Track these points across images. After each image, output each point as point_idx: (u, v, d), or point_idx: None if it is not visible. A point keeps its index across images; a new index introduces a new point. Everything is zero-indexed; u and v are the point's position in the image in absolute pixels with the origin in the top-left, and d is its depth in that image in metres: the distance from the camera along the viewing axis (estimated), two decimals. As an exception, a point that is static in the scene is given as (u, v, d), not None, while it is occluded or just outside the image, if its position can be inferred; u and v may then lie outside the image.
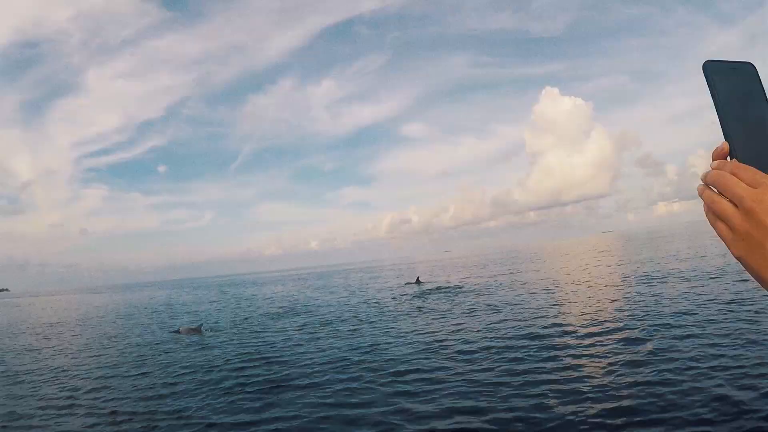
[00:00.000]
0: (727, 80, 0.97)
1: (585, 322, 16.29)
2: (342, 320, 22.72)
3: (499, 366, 11.69)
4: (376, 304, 28.58)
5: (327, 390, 11.18)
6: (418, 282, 45.99)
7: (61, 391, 13.46)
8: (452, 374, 11.39)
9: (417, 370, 12.04)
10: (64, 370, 16.55)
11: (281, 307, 32.62)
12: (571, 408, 8.46)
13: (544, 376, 10.40)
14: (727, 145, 0.94)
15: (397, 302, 29.06)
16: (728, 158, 0.93)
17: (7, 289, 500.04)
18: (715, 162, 0.92)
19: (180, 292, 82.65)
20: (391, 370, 12.19)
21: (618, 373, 10.16)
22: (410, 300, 29.52)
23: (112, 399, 12.25)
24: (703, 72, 0.97)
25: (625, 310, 17.75)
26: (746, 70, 0.99)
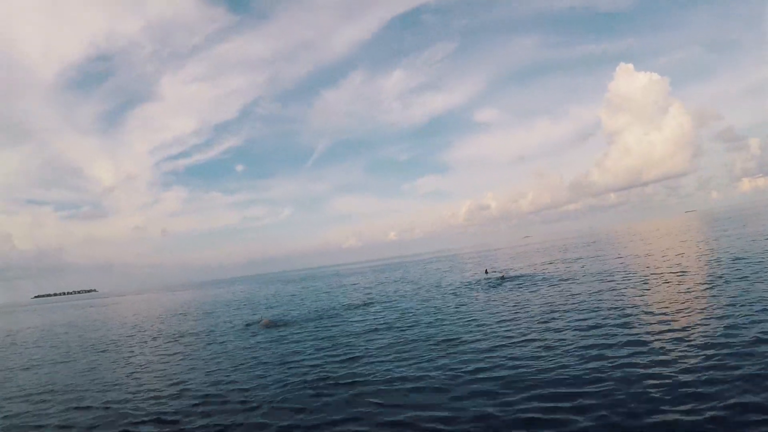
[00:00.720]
0: None
1: (676, 310, 15.36)
2: (420, 312, 22.84)
3: (589, 359, 11.30)
4: (453, 295, 28.52)
5: (406, 385, 11.31)
6: (491, 272, 45.68)
7: (155, 378, 14.40)
8: (539, 370, 11.09)
9: (498, 366, 11.78)
10: (154, 361, 17.63)
11: (359, 299, 33.35)
12: (676, 406, 8.02)
13: (640, 371, 9.91)
14: None
15: (474, 292, 28.88)
16: None
17: (95, 290, 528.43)
18: None
19: (260, 286, 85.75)
20: (472, 367, 11.98)
21: (721, 365, 9.57)
22: (488, 290, 29.30)
23: (197, 389, 13.07)
24: None
25: (718, 297, 16.58)
26: None
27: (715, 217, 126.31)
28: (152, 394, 13.06)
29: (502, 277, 36.78)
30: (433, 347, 14.87)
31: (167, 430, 10.21)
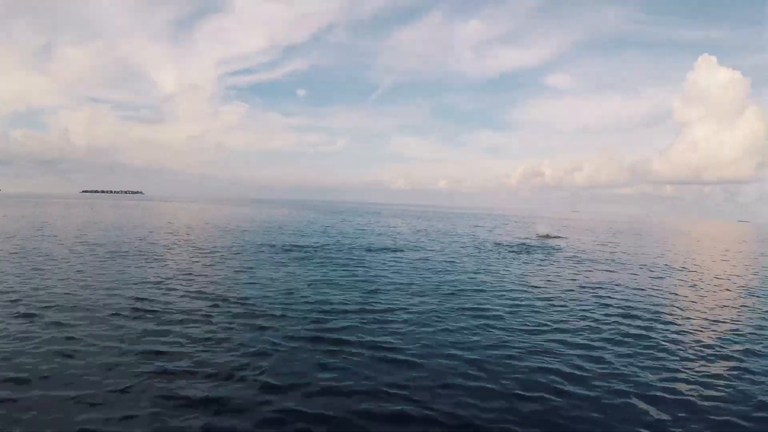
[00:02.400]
0: None
1: (702, 319, 14.36)
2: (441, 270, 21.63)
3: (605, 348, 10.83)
4: (487, 258, 27.33)
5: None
6: (540, 236, 45.35)
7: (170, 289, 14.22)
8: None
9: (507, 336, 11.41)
10: (174, 271, 17.53)
11: (387, 242, 33.42)
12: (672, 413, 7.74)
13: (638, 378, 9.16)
14: None
15: (511, 255, 28.48)
16: None
17: (141, 192, 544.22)
18: None
19: (302, 213, 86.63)
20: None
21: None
22: (526, 255, 28.89)
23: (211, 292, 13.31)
24: None
25: (752, 314, 15.39)
26: None
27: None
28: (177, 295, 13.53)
29: (543, 240, 36.79)
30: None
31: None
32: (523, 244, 36.54)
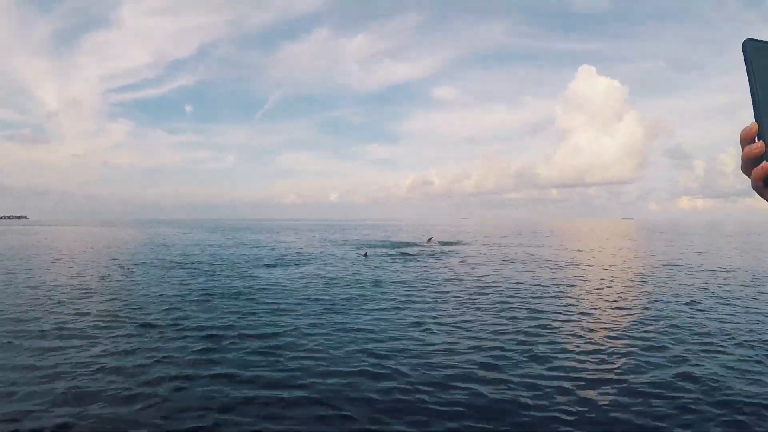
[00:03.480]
0: (765, 60, 1.01)
1: (586, 306, 16.73)
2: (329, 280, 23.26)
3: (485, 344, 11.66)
4: (377, 264, 31.14)
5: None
6: (429, 241, 50.62)
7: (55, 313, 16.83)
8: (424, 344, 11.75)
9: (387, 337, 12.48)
10: (64, 298, 19.84)
11: (278, 257, 35.76)
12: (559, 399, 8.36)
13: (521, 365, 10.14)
14: (756, 126, 0.99)
15: (397, 260, 32.19)
16: (756, 139, 0.98)
17: (25, 216, 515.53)
18: (744, 150, 0.99)
19: (191, 231, 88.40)
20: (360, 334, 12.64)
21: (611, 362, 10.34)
22: (408, 260, 32.98)
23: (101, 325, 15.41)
24: (742, 49, 1.01)
25: (633, 298, 18.17)
26: None
27: (650, 227, 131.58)
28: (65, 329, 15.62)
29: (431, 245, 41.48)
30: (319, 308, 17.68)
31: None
32: (407, 250, 40.74)
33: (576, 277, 24.31)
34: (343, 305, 16.63)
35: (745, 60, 1.03)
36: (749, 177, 1.01)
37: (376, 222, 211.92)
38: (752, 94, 1.01)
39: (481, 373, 9.69)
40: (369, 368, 9.92)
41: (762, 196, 1.03)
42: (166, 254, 38.31)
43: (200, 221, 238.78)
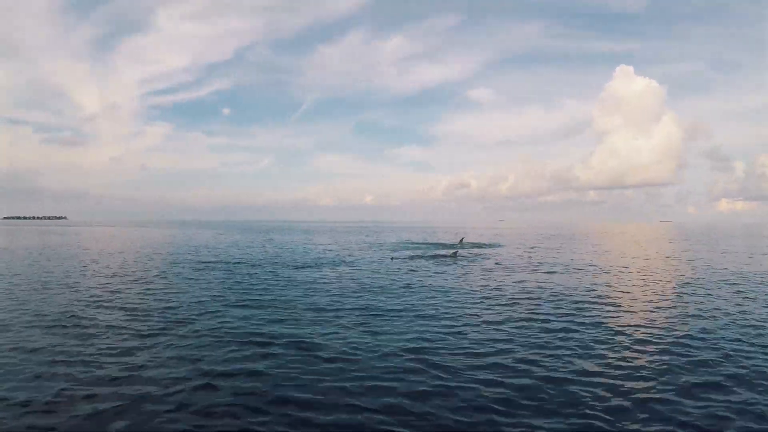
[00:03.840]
0: None
1: (621, 310, 16.31)
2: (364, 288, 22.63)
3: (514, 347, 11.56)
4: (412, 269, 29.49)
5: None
6: (461, 242, 50.36)
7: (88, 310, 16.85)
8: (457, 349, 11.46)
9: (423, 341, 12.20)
10: (98, 294, 20.00)
11: (311, 258, 35.52)
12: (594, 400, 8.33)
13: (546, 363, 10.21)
14: None
15: (435, 266, 31.39)
16: None
17: (65, 217, 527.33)
18: None
19: (226, 233, 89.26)
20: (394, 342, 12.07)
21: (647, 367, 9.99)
22: (445, 265, 32.59)
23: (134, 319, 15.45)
24: None
25: (669, 305, 17.15)
26: None
27: (688, 230, 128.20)
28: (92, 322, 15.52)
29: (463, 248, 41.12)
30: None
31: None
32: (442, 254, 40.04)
33: (609, 282, 23.70)
34: (377, 309, 16.19)
35: None
36: None
37: (412, 224, 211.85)
38: None
39: (523, 367, 10.00)
40: (404, 375, 9.61)
41: None
42: (200, 254, 38.66)
43: (236, 223, 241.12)
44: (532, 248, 48.20)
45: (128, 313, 15.36)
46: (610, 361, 10.44)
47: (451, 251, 37.29)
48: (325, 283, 22.31)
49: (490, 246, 51.29)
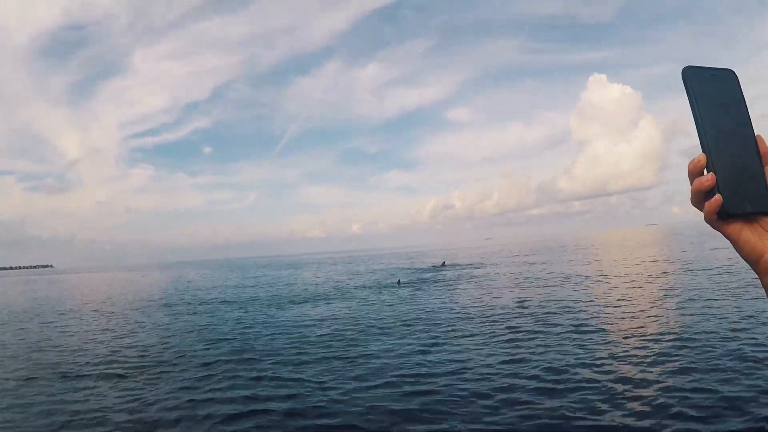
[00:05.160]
0: (707, 87, 0.98)
1: (615, 319, 16.53)
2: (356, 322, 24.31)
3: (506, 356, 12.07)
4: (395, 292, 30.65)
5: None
6: (443, 265, 51.31)
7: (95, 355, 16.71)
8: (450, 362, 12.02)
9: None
10: (100, 340, 19.85)
11: (296, 293, 35.21)
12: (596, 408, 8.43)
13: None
14: (704, 157, 0.95)
15: (421, 287, 31.74)
16: (704, 171, 0.94)
17: (51, 265, 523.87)
18: (694, 182, 0.95)
19: (213, 272, 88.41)
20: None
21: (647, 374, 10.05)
22: (431, 285, 32.49)
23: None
24: (682, 78, 0.98)
25: (660, 309, 17.47)
26: (727, 77, 1.00)
27: (674, 232, 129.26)
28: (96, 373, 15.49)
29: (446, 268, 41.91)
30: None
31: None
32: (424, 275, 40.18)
33: (597, 291, 24.00)
34: (360, 341, 16.01)
35: (686, 89, 0.99)
36: (701, 210, 0.97)
37: (400, 249, 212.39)
38: (696, 124, 0.98)
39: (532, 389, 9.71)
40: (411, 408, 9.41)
41: (716, 230, 0.98)
42: (185, 296, 38.55)
43: (225, 261, 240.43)
44: (517, 264, 48.75)
45: (119, 356, 15.47)
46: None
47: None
48: (306, 319, 21.91)
49: (476, 266, 51.38)
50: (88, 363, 15.43)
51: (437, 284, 33.86)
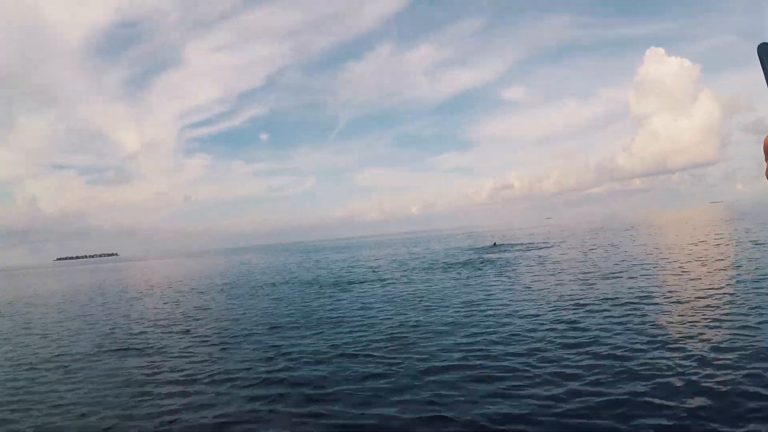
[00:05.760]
0: None
1: (680, 304, 15.15)
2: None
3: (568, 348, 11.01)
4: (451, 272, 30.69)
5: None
6: (495, 245, 50.84)
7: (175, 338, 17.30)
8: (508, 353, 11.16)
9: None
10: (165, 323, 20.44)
11: (358, 275, 35.17)
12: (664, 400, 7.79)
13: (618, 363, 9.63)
14: None
15: (468, 272, 30.67)
16: None
17: (116, 254, 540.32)
18: None
19: (272, 256, 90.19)
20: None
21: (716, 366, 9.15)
22: (484, 268, 32.06)
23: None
24: (758, 55, 0.96)
25: (728, 294, 15.89)
26: None
27: (741, 209, 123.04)
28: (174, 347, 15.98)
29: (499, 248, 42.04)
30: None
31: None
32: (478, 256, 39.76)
33: (663, 270, 23.09)
34: (423, 321, 15.63)
35: (763, 66, 0.96)
36: None
37: (458, 230, 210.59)
38: None
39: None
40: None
41: None
42: (248, 278, 39.21)
43: (284, 245, 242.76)
44: (579, 244, 46.88)
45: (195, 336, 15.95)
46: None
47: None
48: (366, 299, 21.68)
49: (534, 246, 50.06)
50: (164, 337, 16.30)
51: (497, 264, 33.30)
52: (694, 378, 8.52)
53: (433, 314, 16.67)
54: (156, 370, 11.90)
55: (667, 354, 10.00)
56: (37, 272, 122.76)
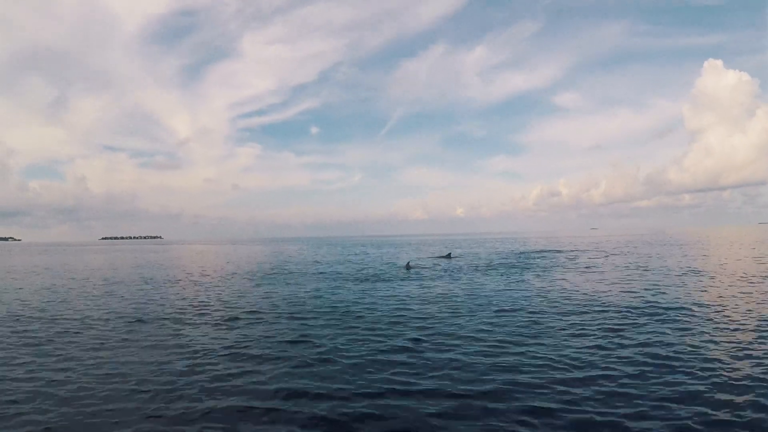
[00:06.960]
0: None
1: (726, 314, 14.93)
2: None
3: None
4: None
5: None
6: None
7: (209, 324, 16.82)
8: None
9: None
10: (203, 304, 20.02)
11: (391, 270, 34.93)
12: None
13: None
14: None
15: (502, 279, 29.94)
16: None
17: (160, 237, 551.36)
18: None
19: (315, 248, 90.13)
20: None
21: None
22: (525, 276, 30.99)
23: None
24: None
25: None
26: None
27: None
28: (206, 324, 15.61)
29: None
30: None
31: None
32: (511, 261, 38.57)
33: (705, 286, 21.96)
34: (454, 322, 15.00)
35: None
36: None
37: (503, 235, 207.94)
38: None
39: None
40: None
41: None
42: (285, 267, 39.49)
43: (326, 239, 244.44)
44: (623, 255, 44.00)
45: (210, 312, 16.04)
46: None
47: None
48: (403, 297, 20.77)
49: (578, 253, 47.95)
50: (201, 312, 17.17)
51: (538, 269, 32.46)
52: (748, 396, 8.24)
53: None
54: (183, 338, 13.01)
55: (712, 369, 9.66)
56: (83, 249, 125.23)
